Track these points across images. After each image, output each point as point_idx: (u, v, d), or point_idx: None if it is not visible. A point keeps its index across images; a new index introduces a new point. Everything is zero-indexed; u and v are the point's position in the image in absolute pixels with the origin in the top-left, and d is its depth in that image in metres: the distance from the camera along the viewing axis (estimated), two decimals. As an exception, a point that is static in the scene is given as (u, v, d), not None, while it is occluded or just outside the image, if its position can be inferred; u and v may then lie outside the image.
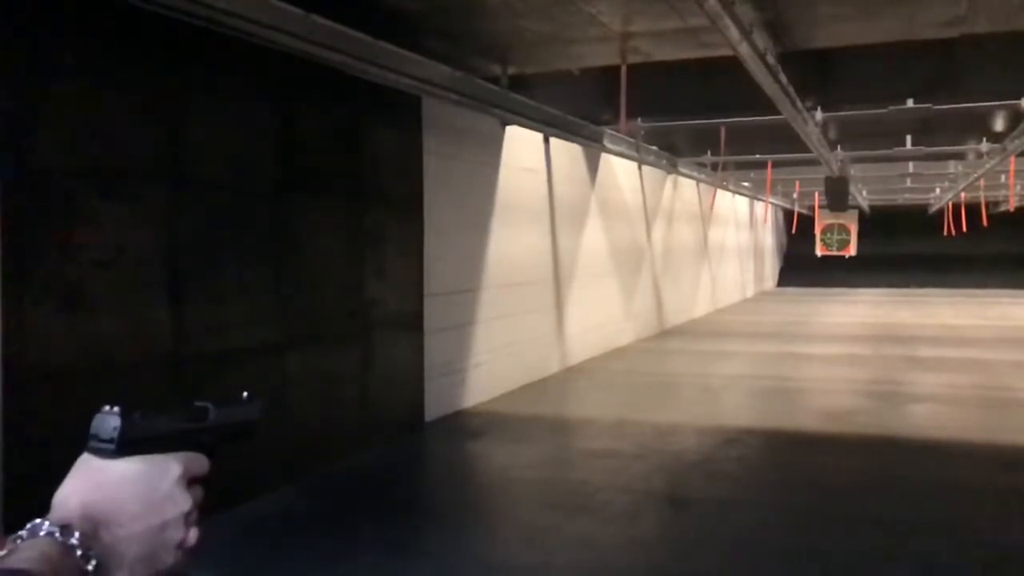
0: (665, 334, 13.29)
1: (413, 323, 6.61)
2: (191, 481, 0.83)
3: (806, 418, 7.51)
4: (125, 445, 0.80)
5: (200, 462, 0.85)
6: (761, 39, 5.07)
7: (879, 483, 5.44)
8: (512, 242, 8.26)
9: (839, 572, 4.04)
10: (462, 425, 6.98)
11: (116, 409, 0.80)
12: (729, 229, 19.62)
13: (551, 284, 9.35)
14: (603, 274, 10.97)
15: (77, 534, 0.74)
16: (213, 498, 0.86)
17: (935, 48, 6.55)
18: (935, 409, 7.81)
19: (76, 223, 3.91)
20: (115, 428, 0.79)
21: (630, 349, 11.58)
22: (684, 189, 15.00)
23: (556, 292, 9.46)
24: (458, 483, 5.75)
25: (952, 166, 13.26)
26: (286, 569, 4.00)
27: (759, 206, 22.01)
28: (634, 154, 10.07)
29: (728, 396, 8.68)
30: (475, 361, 7.60)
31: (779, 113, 6.84)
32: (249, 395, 0.93)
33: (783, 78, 5.88)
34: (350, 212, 5.90)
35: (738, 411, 7.93)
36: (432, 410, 6.86)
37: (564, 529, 4.57)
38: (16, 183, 3.66)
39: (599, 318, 10.80)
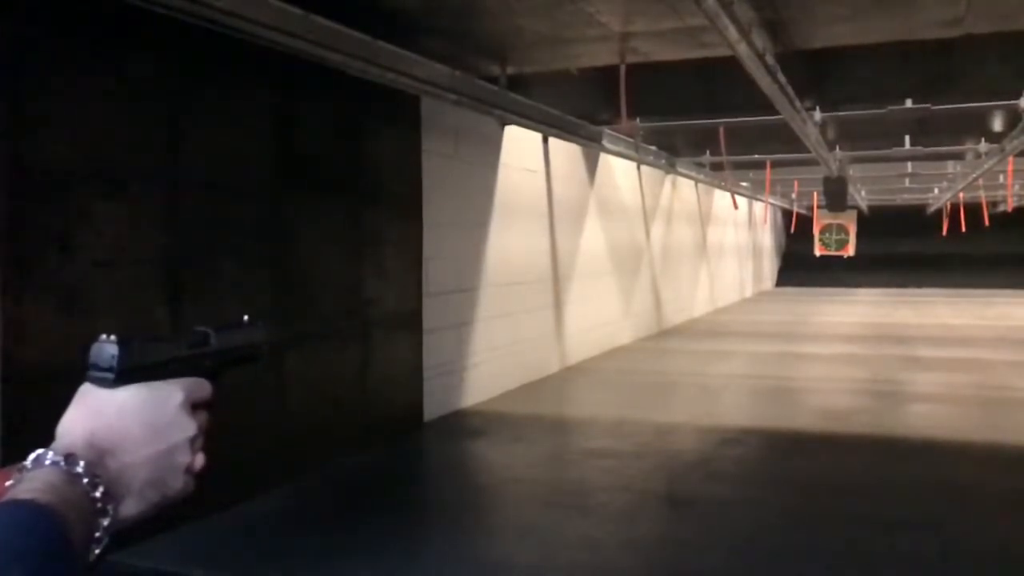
0: (664, 333, 13.29)
1: (412, 322, 6.61)
2: (196, 406, 0.84)
3: (805, 418, 7.52)
4: (124, 373, 0.79)
5: (203, 387, 0.85)
6: (760, 39, 5.08)
7: (878, 482, 5.44)
8: (511, 241, 8.26)
9: (838, 572, 4.05)
10: (461, 424, 6.98)
11: (113, 337, 0.79)
12: (728, 229, 19.62)
13: (550, 283, 9.35)
14: (602, 273, 10.98)
15: (82, 462, 0.74)
16: (218, 423, 0.87)
17: (934, 48, 6.56)
18: (934, 409, 7.81)
19: (76, 223, 3.91)
20: (113, 356, 0.78)
21: (629, 348, 11.58)
22: (683, 189, 15.00)
23: (555, 291, 9.46)
24: (457, 483, 5.75)
25: (951, 166, 13.28)
26: (285, 569, 4.00)
27: (758, 206, 22.02)
28: (633, 154, 10.08)
29: (727, 396, 8.68)
30: (474, 360, 7.60)
31: (778, 113, 6.85)
32: (250, 319, 0.92)
33: (782, 78, 5.89)
34: (349, 211, 5.90)
35: (737, 411, 7.93)
36: (431, 409, 6.86)
37: (563, 529, 4.57)
38: (16, 183, 3.66)
39: (598, 317, 10.80)
